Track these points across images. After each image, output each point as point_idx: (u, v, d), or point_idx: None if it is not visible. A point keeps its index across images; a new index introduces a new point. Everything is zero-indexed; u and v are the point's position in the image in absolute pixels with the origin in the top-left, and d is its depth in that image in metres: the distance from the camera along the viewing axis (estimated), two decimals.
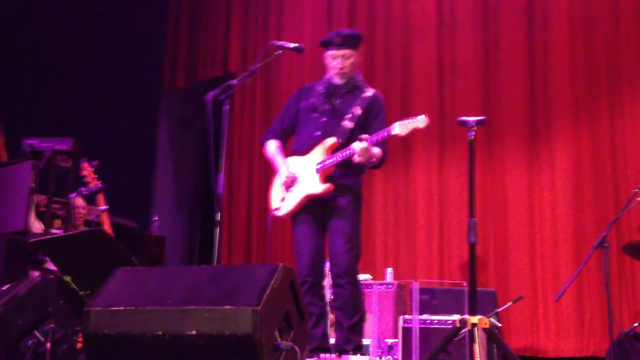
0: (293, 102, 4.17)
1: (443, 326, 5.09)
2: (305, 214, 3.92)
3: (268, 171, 6.66)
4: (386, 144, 3.92)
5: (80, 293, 3.31)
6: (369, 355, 5.01)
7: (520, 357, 4.65)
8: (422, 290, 5.45)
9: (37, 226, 4.69)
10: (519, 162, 6.39)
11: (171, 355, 2.55)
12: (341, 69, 3.98)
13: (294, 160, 4.02)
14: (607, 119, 6.14)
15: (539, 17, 6.50)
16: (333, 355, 3.68)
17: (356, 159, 3.75)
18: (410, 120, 3.72)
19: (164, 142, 8.10)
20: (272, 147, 4.12)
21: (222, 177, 3.64)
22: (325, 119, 3.96)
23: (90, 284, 3.23)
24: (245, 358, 2.45)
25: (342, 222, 3.84)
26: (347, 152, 3.79)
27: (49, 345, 3.08)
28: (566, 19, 6.39)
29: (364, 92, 4.01)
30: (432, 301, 5.55)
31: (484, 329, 3.29)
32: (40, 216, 4.77)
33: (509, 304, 5.46)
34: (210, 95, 3.69)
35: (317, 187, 3.86)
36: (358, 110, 3.93)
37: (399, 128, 3.71)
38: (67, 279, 3.33)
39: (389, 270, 5.94)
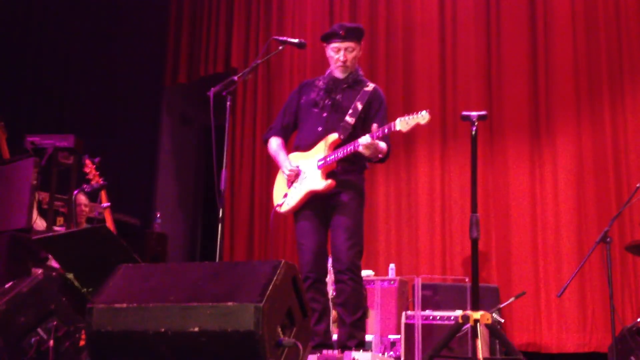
0: (294, 98, 4.16)
1: (445, 322, 5.10)
2: (308, 210, 3.92)
3: (270, 167, 6.67)
4: (389, 138, 3.92)
5: (82, 290, 3.31)
6: (371, 351, 5.01)
7: (523, 353, 4.65)
8: (425, 286, 5.45)
9: (39, 223, 4.69)
10: (521, 158, 6.38)
11: (174, 352, 2.55)
12: (344, 62, 3.96)
13: (296, 156, 4.01)
14: (609, 115, 6.14)
15: (542, 13, 6.48)
16: (335, 352, 3.67)
17: (363, 151, 3.74)
18: (412, 117, 3.71)
19: (166, 138, 8.10)
20: (274, 144, 4.11)
21: (224, 173, 3.65)
22: (326, 114, 3.95)
23: (92, 281, 3.23)
24: (248, 354, 2.45)
25: (345, 218, 3.84)
26: (349, 148, 3.79)
27: (51, 342, 3.08)
28: (568, 15, 6.38)
29: (364, 87, 4.00)
30: (434, 297, 5.55)
31: (487, 325, 3.29)
32: (42, 213, 4.77)
33: (512, 299, 5.46)
34: (213, 91, 3.69)
35: (319, 183, 3.86)
36: (359, 106, 3.92)
37: (401, 124, 3.71)
38: (70, 276, 3.33)
39: (392, 266, 5.95)
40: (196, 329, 2.50)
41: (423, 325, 5.08)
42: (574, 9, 6.37)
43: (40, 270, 4.33)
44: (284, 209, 3.97)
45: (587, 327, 5.90)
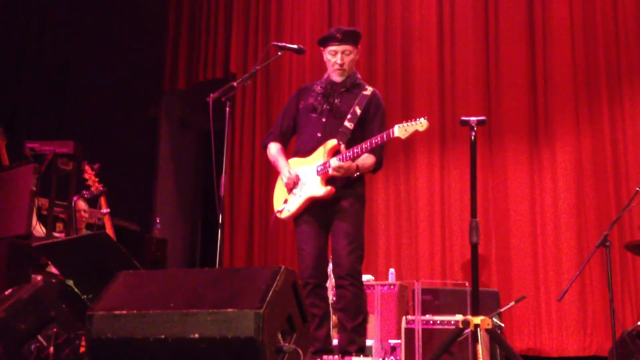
0: (292, 103, 4.16)
1: (446, 327, 5.09)
2: (308, 215, 3.92)
3: (269, 173, 6.67)
4: (383, 147, 3.91)
5: (82, 297, 3.31)
6: (372, 356, 5.01)
7: (523, 357, 4.65)
8: (425, 291, 5.44)
9: (39, 230, 4.68)
10: (520, 162, 6.39)
11: (174, 358, 2.54)
12: (341, 65, 3.95)
13: (296, 161, 4.01)
14: (607, 118, 6.15)
15: (540, 18, 6.50)
16: (336, 357, 3.67)
17: (333, 174, 3.77)
18: (410, 124, 3.71)
19: (165, 143, 8.10)
20: (273, 149, 4.11)
21: (223, 178, 3.65)
22: (325, 120, 3.95)
23: (92, 288, 3.23)
24: None
25: (345, 224, 3.84)
26: (348, 154, 3.79)
27: (51, 349, 3.08)
28: (567, 20, 6.39)
29: (363, 90, 4.00)
30: (434, 302, 5.54)
31: (487, 330, 3.29)
32: (42, 220, 4.77)
33: (512, 304, 5.45)
34: (212, 97, 3.69)
35: (319, 189, 3.86)
36: (358, 110, 3.92)
37: (399, 131, 3.71)
38: (70, 282, 3.32)
39: (392, 271, 5.95)
40: (196, 336, 2.50)
41: (423, 330, 5.08)
42: (572, 14, 6.38)
43: (40, 277, 4.33)
44: (284, 214, 3.97)
45: (588, 330, 5.91)
